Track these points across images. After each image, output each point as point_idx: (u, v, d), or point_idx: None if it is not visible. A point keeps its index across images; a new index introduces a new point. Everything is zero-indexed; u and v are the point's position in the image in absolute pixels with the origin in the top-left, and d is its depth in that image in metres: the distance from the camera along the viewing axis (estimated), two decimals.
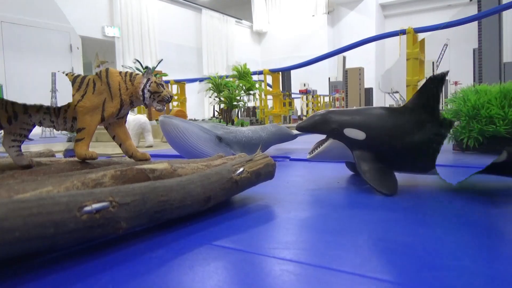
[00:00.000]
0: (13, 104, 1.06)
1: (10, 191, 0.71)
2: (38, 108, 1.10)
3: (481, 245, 0.70)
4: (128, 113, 1.23)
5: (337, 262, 0.62)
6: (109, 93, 1.11)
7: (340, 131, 1.21)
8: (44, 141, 6.03)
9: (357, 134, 1.20)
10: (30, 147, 4.01)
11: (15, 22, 8.11)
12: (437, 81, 1.19)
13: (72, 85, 1.14)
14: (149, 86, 1.14)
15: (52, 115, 1.12)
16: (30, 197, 0.55)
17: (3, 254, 0.50)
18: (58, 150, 2.41)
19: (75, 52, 9.22)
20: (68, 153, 2.02)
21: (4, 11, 7.87)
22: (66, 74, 1.16)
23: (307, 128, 1.28)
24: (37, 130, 7.45)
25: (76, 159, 1.12)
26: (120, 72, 1.17)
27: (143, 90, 1.13)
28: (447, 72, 1.23)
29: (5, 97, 7.55)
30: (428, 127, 1.19)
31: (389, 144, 1.20)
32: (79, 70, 9.31)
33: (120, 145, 1.21)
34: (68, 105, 1.11)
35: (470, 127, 2.04)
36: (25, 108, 1.08)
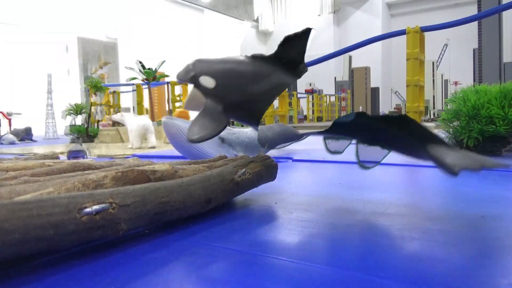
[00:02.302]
0: None
1: (11, 192, 0.71)
2: None
3: None
4: None
5: (340, 262, 0.61)
6: None
7: (197, 79, 1.11)
8: (47, 142, 6.07)
9: (209, 82, 1.10)
10: (34, 149, 4.04)
11: (12, 23, 8.17)
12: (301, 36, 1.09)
13: None
14: None
15: None
16: (30, 198, 0.56)
17: (3, 256, 0.51)
18: (62, 152, 2.43)
19: (71, 53, 9.27)
20: (71, 154, 2.04)
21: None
22: None
23: (180, 76, 1.18)
24: (40, 132, 7.51)
25: (78, 160, 1.13)
26: None
27: None
28: (311, 29, 1.10)
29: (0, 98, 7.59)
30: (287, 79, 1.11)
31: (238, 93, 1.10)
32: (75, 71, 9.37)
33: None
34: None
35: (470, 127, 2.03)
36: None
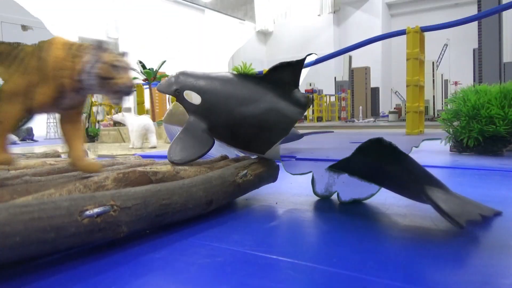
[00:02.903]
0: None
1: (13, 193, 0.71)
2: None
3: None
4: (84, 102, 0.92)
5: (341, 262, 0.61)
6: (43, 72, 0.79)
7: (181, 93, 1.08)
8: (49, 142, 6.07)
9: (194, 98, 1.07)
10: (35, 149, 4.04)
11: (14, 22, 8.17)
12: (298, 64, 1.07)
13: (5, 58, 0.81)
14: (96, 68, 0.79)
15: None
16: (31, 201, 0.56)
17: (4, 259, 0.51)
18: (64, 151, 2.42)
19: None
20: None
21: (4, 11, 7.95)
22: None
23: (162, 88, 1.14)
24: (42, 131, 7.51)
25: None
26: (67, 44, 0.83)
27: (82, 73, 0.79)
28: (309, 54, 1.13)
29: None
30: (279, 104, 1.05)
31: (226, 114, 1.06)
32: None
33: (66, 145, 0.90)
34: None
35: (470, 127, 2.03)
36: None
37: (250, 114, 1.03)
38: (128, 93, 0.86)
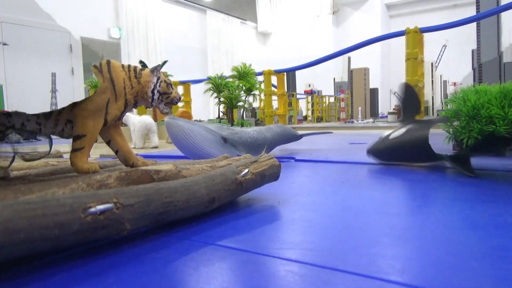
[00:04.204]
0: None
1: (17, 192, 0.71)
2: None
3: None
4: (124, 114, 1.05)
5: (343, 262, 0.61)
6: (113, 92, 0.92)
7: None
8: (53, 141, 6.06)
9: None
10: (38, 148, 4.03)
11: (15, 22, 8.16)
12: None
13: None
14: (159, 86, 0.98)
15: (41, 116, 0.92)
16: (35, 198, 0.56)
17: (8, 255, 0.51)
18: (66, 151, 2.42)
19: (75, 52, 9.26)
20: None
21: (5, 11, 7.94)
22: None
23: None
24: None
25: None
26: (123, 66, 0.97)
27: (153, 91, 0.97)
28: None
29: (5, 97, 7.52)
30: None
31: None
32: (79, 71, 9.37)
33: (116, 152, 1.00)
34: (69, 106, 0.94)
35: (470, 127, 2.03)
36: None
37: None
38: (177, 103, 1.06)
